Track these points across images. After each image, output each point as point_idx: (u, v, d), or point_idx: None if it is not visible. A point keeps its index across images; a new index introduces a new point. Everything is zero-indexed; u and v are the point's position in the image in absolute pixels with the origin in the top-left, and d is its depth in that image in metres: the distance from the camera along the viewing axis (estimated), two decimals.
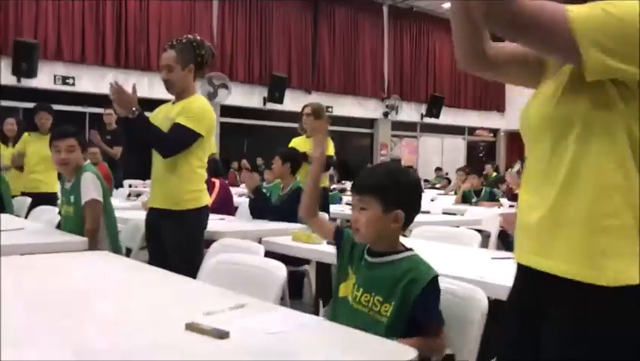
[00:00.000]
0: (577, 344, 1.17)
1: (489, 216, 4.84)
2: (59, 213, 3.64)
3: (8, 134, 5.91)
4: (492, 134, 18.75)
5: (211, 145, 3.34)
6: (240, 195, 6.85)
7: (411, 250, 1.74)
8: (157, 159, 3.18)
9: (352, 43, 14.85)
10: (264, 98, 13.38)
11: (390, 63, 15.72)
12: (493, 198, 7.07)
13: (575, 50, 1.12)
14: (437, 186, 13.58)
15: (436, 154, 17.42)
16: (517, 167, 9.29)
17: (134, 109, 2.95)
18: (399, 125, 16.29)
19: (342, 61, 14.68)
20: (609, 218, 1.15)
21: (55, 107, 6.07)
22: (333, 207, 5.26)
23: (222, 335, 1.30)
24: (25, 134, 5.73)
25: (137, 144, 3.22)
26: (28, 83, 10.35)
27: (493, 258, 2.66)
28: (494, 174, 11.75)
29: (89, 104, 11.04)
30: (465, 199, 7.15)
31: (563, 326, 1.20)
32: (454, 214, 5.58)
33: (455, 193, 7.93)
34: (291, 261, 3.53)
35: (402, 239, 1.79)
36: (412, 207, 1.73)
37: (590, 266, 1.16)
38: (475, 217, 4.76)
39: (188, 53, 3.17)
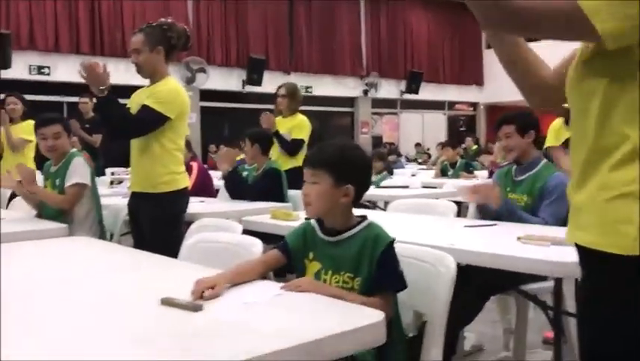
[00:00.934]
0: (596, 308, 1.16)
1: (464, 187, 4.89)
2: None
3: (12, 115, 5.71)
4: (472, 108, 18.85)
5: (184, 131, 3.36)
6: (221, 179, 6.85)
7: (365, 217, 1.77)
8: (133, 143, 3.22)
9: (329, 23, 14.80)
10: (243, 80, 13.33)
11: (368, 41, 15.69)
12: (468, 170, 7.16)
13: (589, 26, 1.06)
14: (419, 161, 13.69)
15: (417, 130, 17.49)
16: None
17: (102, 88, 2.98)
18: (379, 103, 16.32)
19: (320, 40, 14.63)
20: (630, 184, 1.09)
21: (32, 97, 6.05)
22: None
23: (197, 307, 1.35)
24: None
25: (107, 125, 3.25)
26: (2, 74, 10.22)
27: (466, 226, 2.73)
28: (474, 147, 11.85)
29: (66, 93, 10.94)
30: (443, 173, 7.23)
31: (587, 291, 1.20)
32: (434, 188, 5.65)
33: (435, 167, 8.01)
34: (272, 240, 3.59)
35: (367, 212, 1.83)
36: (361, 183, 1.77)
37: (609, 234, 1.10)
38: (451, 190, 4.82)
39: (157, 35, 3.19)
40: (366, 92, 15.69)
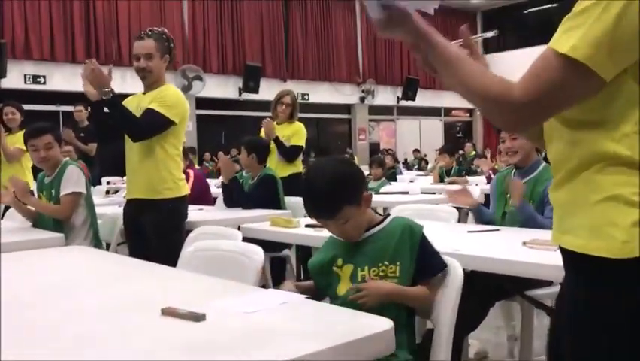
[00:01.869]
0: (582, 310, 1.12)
1: (447, 192, 4.87)
2: None
3: (9, 124, 5.62)
4: (468, 114, 18.86)
5: (183, 137, 3.33)
6: (219, 187, 6.82)
7: (388, 215, 1.83)
8: (131, 149, 3.16)
9: (325, 30, 14.81)
10: (239, 88, 13.32)
11: (364, 48, 15.70)
12: (461, 176, 7.16)
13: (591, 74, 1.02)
14: (417, 167, 13.66)
15: (414, 136, 17.49)
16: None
17: (107, 90, 2.94)
18: (376, 110, 16.31)
19: (316, 48, 14.64)
20: (618, 187, 1.06)
21: (28, 106, 5.98)
22: None
23: (198, 317, 1.30)
24: None
25: (108, 130, 3.18)
26: None
27: (469, 231, 2.69)
28: (473, 152, 11.82)
29: (61, 102, 10.89)
30: (441, 179, 7.21)
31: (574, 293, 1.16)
32: (434, 193, 5.62)
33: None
34: (271, 247, 3.55)
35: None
36: (364, 183, 1.85)
37: (597, 238, 1.07)
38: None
39: (164, 43, 3.17)
40: (362, 99, 15.68)
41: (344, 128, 16.12)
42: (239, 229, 3.01)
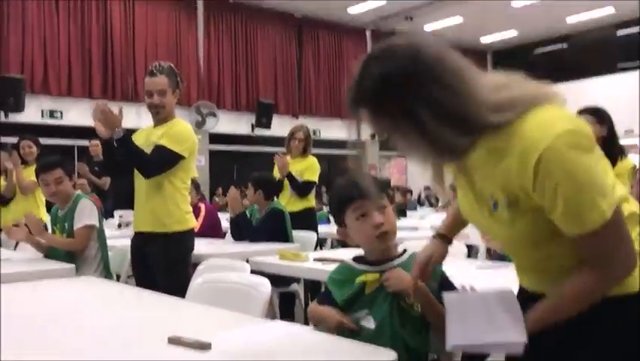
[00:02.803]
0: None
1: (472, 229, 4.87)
2: None
3: (26, 157, 5.71)
4: None
5: (193, 168, 3.38)
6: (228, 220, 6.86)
7: (405, 250, 1.78)
8: (140, 183, 3.22)
9: (337, 68, 15.00)
10: (252, 124, 13.46)
11: None
12: None
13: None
14: (430, 203, 13.66)
15: (425, 173, 17.47)
16: None
17: (118, 129, 3.00)
18: (387, 146, 16.35)
19: (328, 85, 14.81)
20: None
21: (44, 140, 6.08)
22: (320, 227, 5.29)
23: (204, 346, 1.33)
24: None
25: (118, 166, 3.24)
26: (15, 118, 10.38)
27: (478, 268, 2.70)
28: None
29: (76, 136, 11.05)
30: None
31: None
32: None
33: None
34: (280, 282, 3.56)
35: None
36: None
37: None
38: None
39: (175, 79, 3.25)
40: (373, 136, 15.68)
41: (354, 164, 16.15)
42: (247, 262, 3.04)
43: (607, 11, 14.15)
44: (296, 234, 4.28)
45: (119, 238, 4.68)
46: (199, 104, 12.44)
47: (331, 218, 7.44)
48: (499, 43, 17.41)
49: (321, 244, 5.41)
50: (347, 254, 1.95)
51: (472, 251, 3.98)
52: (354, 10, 14.05)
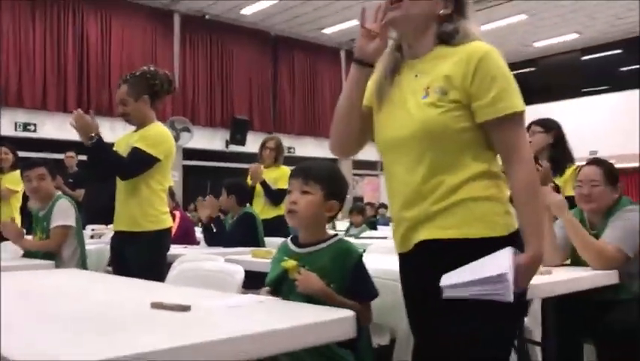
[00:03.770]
0: None
1: None
2: None
3: (1, 164, 5.76)
4: None
5: (169, 173, 3.48)
6: (201, 226, 6.94)
7: (336, 235, 1.93)
8: (119, 185, 3.33)
9: (312, 86, 15.24)
10: (227, 140, 13.58)
11: None
12: None
13: None
14: None
15: None
16: None
17: (92, 134, 3.11)
18: (360, 165, 16.59)
19: (303, 103, 15.03)
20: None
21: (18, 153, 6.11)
22: None
23: (184, 308, 1.46)
24: None
25: (99, 169, 3.36)
26: None
27: None
28: None
29: (50, 150, 11.03)
30: None
31: None
32: None
33: None
34: (254, 285, 3.66)
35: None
36: (342, 202, 1.93)
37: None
38: None
39: (141, 84, 3.35)
40: None
41: None
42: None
43: (572, 37, 14.68)
44: (269, 241, 4.39)
45: (95, 244, 4.75)
46: (173, 120, 12.53)
47: None
48: None
49: None
50: None
51: None
52: (328, 30, 14.35)
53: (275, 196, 5.00)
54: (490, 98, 1.55)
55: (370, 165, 17.08)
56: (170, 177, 3.46)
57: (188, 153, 13.04)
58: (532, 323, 2.64)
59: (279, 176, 5.10)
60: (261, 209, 4.90)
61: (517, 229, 1.60)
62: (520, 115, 1.59)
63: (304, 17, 13.52)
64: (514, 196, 1.60)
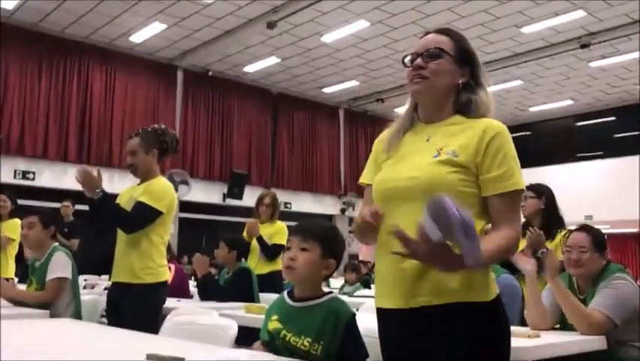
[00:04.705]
0: None
1: None
2: None
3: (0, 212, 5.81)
4: None
5: (170, 226, 3.54)
6: (195, 287, 6.92)
7: (331, 292, 1.97)
8: (120, 236, 3.39)
9: (310, 143, 15.45)
10: (224, 194, 13.67)
11: (347, 162, 16.31)
12: None
13: None
14: None
15: None
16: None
17: (98, 190, 3.19)
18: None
19: (301, 159, 15.20)
20: None
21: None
22: None
23: (178, 359, 1.50)
24: None
25: (102, 223, 3.42)
26: None
27: None
28: None
29: (48, 199, 11.09)
30: None
31: None
32: None
33: None
34: (246, 343, 3.66)
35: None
36: (339, 261, 1.98)
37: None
38: None
39: (152, 139, 3.48)
40: (343, 211, 16.07)
41: None
42: None
43: (566, 103, 15.00)
44: (263, 296, 4.41)
45: (88, 294, 4.75)
46: (172, 172, 12.63)
47: None
48: None
49: None
50: None
51: None
52: (328, 89, 14.65)
53: (271, 252, 5.03)
54: (500, 174, 1.67)
55: None
56: (170, 230, 3.52)
57: (185, 206, 13.09)
58: None
59: (274, 231, 5.15)
60: (255, 264, 4.92)
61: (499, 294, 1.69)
62: (521, 192, 1.73)
63: (305, 77, 13.84)
64: (490, 235, 1.69)
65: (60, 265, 3.50)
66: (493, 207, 1.69)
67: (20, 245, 5.45)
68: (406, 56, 1.81)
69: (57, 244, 3.77)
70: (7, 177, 10.84)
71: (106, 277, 7.10)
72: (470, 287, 1.62)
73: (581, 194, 13.02)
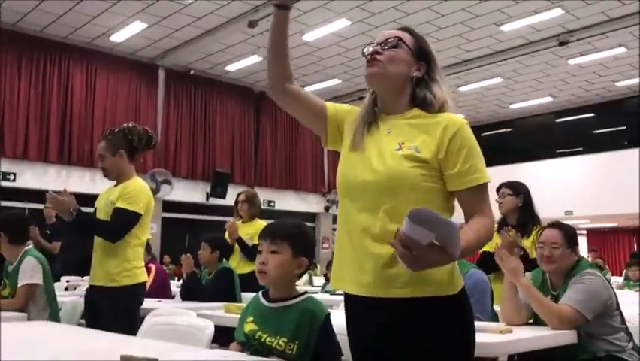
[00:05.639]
0: None
1: None
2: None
3: None
4: None
5: (148, 226, 3.54)
6: (179, 287, 6.92)
7: (305, 293, 2.00)
8: (97, 239, 3.39)
9: (293, 141, 15.47)
10: (207, 193, 13.64)
11: (330, 159, 16.34)
12: None
13: None
14: None
15: None
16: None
17: (71, 210, 3.18)
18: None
19: (284, 157, 15.22)
20: None
21: None
22: None
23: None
24: None
25: (84, 233, 3.44)
26: None
27: None
28: None
29: (29, 199, 11.01)
30: None
31: None
32: None
33: None
34: (225, 336, 3.69)
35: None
36: (311, 258, 2.02)
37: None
38: None
39: (118, 140, 3.46)
40: (327, 209, 16.12)
41: None
42: None
43: (546, 100, 15.15)
44: (245, 296, 4.42)
45: (69, 296, 4.74)
46: (154, 172, 12.58)
47: None
48: None
49: None
50: None
51: None
52: (310, 88, 14.67)
53: (251, 253, 5.03)
54: (465, 169, 1.72)
55: None
56: (148, 230, 3.52)
57: (168, 205, 13.05)
58: None
59: (255, 231, 5.14)
60: (236, 264, 4.94)
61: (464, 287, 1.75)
62: (486, 185, 1.77)
63: None
64: (468, 225, 1.73)
65: (29, 271, 3.48)
66: (462, 200, 1.76)
67: None
68: (365, 46, 1.85)
69: (30, 247, 3.72)
70: None
71: (88, 278, 7.08)
72: (444, 281, 1.69)
73: (561, 190, 13.17)
